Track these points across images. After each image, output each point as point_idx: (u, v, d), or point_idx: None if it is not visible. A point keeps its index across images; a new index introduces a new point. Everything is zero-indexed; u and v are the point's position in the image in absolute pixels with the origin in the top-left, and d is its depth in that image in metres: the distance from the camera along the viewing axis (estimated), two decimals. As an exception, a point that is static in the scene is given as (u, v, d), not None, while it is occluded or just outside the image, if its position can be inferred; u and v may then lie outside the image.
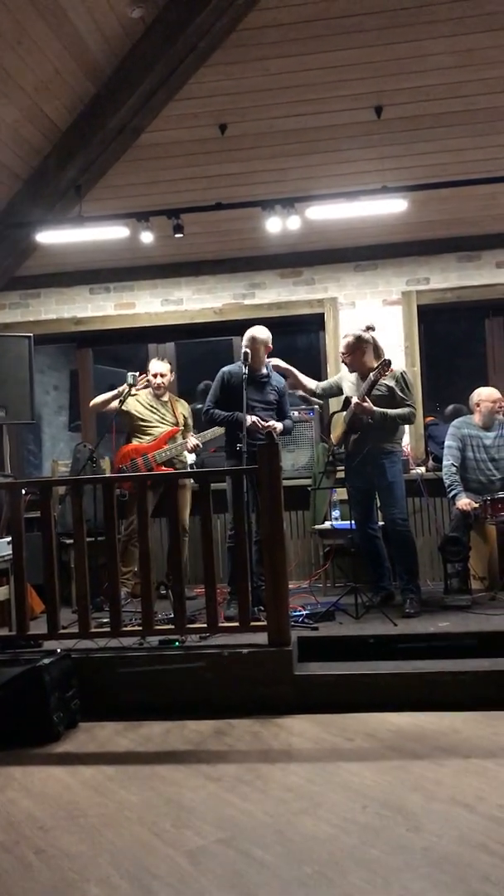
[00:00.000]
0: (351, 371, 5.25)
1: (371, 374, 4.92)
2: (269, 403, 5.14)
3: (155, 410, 5.78)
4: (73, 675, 4.05)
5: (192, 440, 5.64)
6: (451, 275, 6.56)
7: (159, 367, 5.81)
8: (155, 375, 5.78)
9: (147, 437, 5.71)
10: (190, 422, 5.95)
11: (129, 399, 5.68)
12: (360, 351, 5.13)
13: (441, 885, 2.33)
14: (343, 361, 5.26)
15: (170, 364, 5.92)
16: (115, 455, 5.77)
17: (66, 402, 9.62)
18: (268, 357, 5.18)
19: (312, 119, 5.88)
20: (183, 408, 5.94)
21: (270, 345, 5.11)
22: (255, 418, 4.94)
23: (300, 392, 5.53)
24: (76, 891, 2.43)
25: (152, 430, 5.72)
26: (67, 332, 7.04)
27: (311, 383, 5.44)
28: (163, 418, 5.78)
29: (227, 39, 5.67)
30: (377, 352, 5.17)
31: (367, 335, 5.17)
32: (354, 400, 4.95)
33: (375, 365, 5.04)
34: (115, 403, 5.65)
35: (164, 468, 5.59)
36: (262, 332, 5.09)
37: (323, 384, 5.49)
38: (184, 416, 5.88)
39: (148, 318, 6.89)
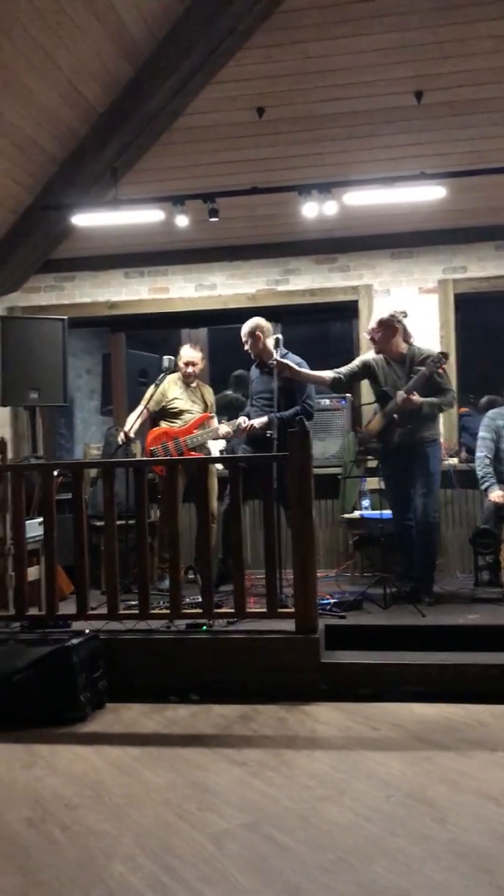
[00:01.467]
0: (377, 351, 5.13)
1: (425, 368, 4.84)
2: (271, 392, 5.10)
3: (185, 396, 5.78)
4: (100, 655, 4.08)
5: (224, 427, 5.61)
6: (488, 264, 6.46)
7: (190, 356, 5.77)
8: (186, 364, 5.76)
9: (178, 422, 5.70)
10: (214, 409, 5.94)
11: (165, 382, 5.71)
12: (392, 330, 5.03)
13: (465, 877, 2.31)
14: (371, 339, 5.14)
15: (201, 352, 5.89)
16: (146, 437, 5.78)
17: (99, 386, 9.67)
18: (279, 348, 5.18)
19: (351, 103, 5.80)
20: (209, 394, 5.93)
21: (261, 332, 5.43)
22: (239, 420, 5.39)
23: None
24: (101, 868, 2.45)
25: (183, 416, 5.71)
26: (101, 316, 7.05)
27: (326, 374, 5.17)
28: (193, 403, 5.78)
29: (265, 22, 5.61)
30: (406, 336, 5.11)
31: (400, 318, 5.09)
32: (402, 395, 4.87)
33: (403, 350, 5.01)
34: (148, 404, 5.65)
35: (193, 453, 5.59)
36: (260, 322, 5.46)
37: (344, 370, 5.22)
38: (210, 403, 5.89)
39: (181, 303, 6.88)
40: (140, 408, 5.60)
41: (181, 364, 5.77)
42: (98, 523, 5.45)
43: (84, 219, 6.03)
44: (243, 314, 6.85)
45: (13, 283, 6.95)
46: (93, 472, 5.95)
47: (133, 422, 5.55)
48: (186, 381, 5.79)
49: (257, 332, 5.37)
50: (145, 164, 6.24)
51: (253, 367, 5.57)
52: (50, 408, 6.90)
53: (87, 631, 4.18)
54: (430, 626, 4.45)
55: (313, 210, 5.62)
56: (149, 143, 6.13)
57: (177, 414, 5.71)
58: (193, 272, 6.86)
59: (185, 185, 6.01)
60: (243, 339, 5.44)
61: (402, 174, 5.58)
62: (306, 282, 6.70)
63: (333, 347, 7.38)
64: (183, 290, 6.88)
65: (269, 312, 6.78)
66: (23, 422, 6.78)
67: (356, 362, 5.31)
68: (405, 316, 5.12)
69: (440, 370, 4.87)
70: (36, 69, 5.13)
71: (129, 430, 5.46)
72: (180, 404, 5.73)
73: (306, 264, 6.70)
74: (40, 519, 4.65)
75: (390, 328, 5.04)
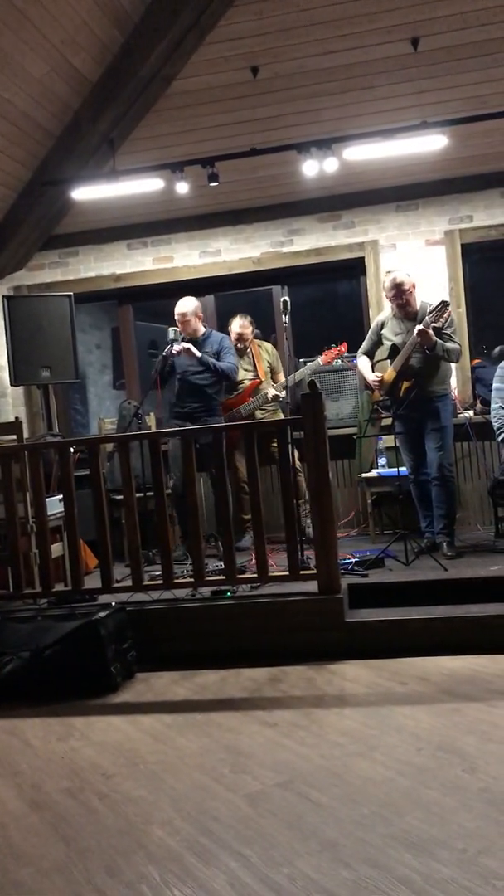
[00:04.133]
0: (410, 310, 5.12)
1: (428, 317, 4.84)
2: (198, 365, 5.43)
3: (238, 366, 5.89)
4: (128, 627, 4.13)
5: (272, 391, 5.81)
6: (495, 211, 6.35)
7: (238, 329, 5.94)
8: (237, 337, 5.91)
9: (235, 392, 5.90)
10: (276, 363, 6.09)
11: None
12: (413, 287, 5.12)
13: (499, 824, 2.35)
14: (401, 304, 5.12)
15: (248, 319, 5.99)
16: None
17: (110, 361, 9.67)
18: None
19: (346, 55, 5.68)
20: (266, 352, 6.07)
21: (200, 313, 5.61)
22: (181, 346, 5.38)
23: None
24: (141, 833, 2.51)
25: (237, 386, 5.89)
26: (107, 290, 7.03)
27: (367, 364, 5.33)
28: (246, 372, 5.94)
29: (255, -23, 5.50)
30: None
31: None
32: (419, 327, 4.85)
33: (417, 306, 5.02)
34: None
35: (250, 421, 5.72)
36: (191, 303, 5.53)
37: (367, 348, 5.37)
38: (267, 362, 6.04)
39: (186, 272, 6.83)
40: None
41: (233, 336, 5.91)
42: (117, 497, 5.49)
43: (83, 192, 5.98)
44: (249, 279, 6.85)
45: (17, 262, 6.93)
46: (109, 447, 5.98)
47: None
48: (239, 350, 5.92)
49: (199, 313, 5.59)
50: (141, 133, 6.16)
51: (173, 346, 5.46)
52: (63, 385, 6.92)
53: (113, 603, 4.23)
54: (453, 579, 4.47)
55: (313, 168, 5.54)
56: (143, 111, 6.04)
57: (234, 384, 5.87)
58: (197, 239, 6.80)
59: (183, 151, 5.94)
60: (186, 318, 5.51)
61: (402, 125, 5.49)
62: (311, 241, 6.63)
63: (341, 306, 7.32)
64: (187, 257, 6.83)
65: (275, 275, 6.78)
66: (37, 400, 6.81)
67: (371, 335, 5.40)
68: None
69: (444, 317, 4.86)
70: (24, 42, 5.06)
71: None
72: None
73: (310, 223, 6.63)
74: (60, 496, 4.69)
75: (413, 290, 5.11)
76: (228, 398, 5.85)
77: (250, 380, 5.94)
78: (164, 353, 5.51)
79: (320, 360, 5.78)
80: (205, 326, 5.70)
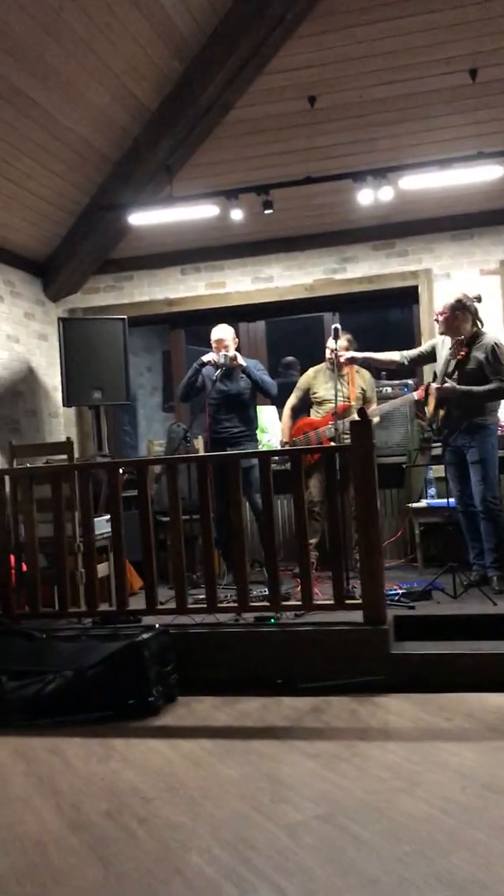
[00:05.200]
0: (441, 332, 5.11)
1: (447, 352, 4.84)
2: (241, 388, 5.66)
3: (328, 386, 5.77)
4: (171, 649, 4.12)
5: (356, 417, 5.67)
6: (552, 242, 6.30)
7: (330, 346, 5.74)
8: (332, 351, 5.73)
9: (321, 411, 5.83)
10: (371, 393, 5.95)
11: (310, 372, 5.97)
12: (458, 315, 4.99)
13: (546, 870, 2.27)
14: (435, 320, 5.13)
15: (345, 338, 5.76)
16: (293, 428, 5.96)
17: (160, 384, 9.78)
18: (342, 351, 5.46)
19: (404, 86, 5.71)
20: (362, 380, 5.92)
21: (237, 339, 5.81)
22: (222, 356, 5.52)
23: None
24: (178, 859, 2.48)
25: (324, 405, 5.80)
26: (160, 314, 7.12)
27: (393, 356, 5.34)
28: (338, 393, 5.81)
29: (314, 9, 5.56)
30: (476, 322, 5.04)
31: (469, 303, 5.04)
32: (434, 385, 4.90)
33: (466, 335, 4.97)
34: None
35: (332, 444, 5.62)
36: (229, 330, 5.71)
37: (412, 353, 5.35)
38: (362, 389, 5.87)
39: (238, 297, 6.88)
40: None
41: (328, 354, 5.81)
42: (164, 519, 5.51)
43: (140, 217, 6.08)
44: (300, 305, 6.88)
45: (73, 285, 7.07)
46: (157, 469, 6.02)
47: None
48: (338, 370, 5.70)
49: (236, 339, 5.73)
50: (198, 160, 6.26)
51: (213, 372, 5.55)
52: (114, 406, 7.00)
53: (157, 625, 4.23)
54: (502, 614, 4.37)
55: (369, 196, 5.56)
56: (201, 139, 6.15)
57: (320, 403, 5.84)
58: (249, 265, 6.86)
59: (239, 178, 6.02)
60: (225, 343, 5.62)
61: (458, 155, 5.48)
62: (364, 269, 6.64)
63: (392, 335, 7.30)
64: (239, 283, 6.89)
65: (327, 301, 6.80)
66: (88, 421, 6.92)
67: (425, 345, 5.38)
68: (478, 301, 5.08)
69: (461, 354, 4.85)
70: (87, 71, 5.19)
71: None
72: (323, 394, 5.82)
73: (363, 251, 6.64)
74: (108, 516, 4.73)
75: (458, 311, 5.00)
76: (316, 417, 5.81)
77: (341, 402, 5.68)
78: (196, 366, 5.58)
79: (415, 394, 5.60)
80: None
